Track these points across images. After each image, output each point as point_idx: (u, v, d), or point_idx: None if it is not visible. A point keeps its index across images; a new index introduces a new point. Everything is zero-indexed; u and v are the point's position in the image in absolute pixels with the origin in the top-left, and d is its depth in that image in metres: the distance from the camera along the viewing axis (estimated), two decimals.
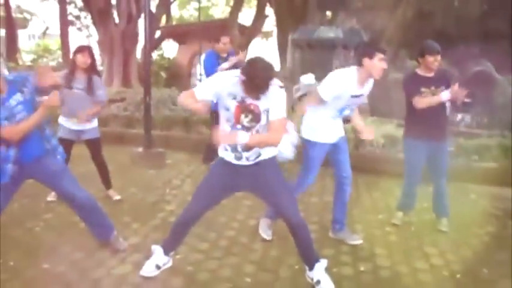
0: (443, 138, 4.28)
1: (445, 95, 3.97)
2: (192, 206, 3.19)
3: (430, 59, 4.06)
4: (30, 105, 3.17)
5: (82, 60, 4.42)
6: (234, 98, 2.85)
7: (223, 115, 2.96)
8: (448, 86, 4.07)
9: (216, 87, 2.90)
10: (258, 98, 2.81)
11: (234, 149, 2.96)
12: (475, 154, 6.59)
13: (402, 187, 4.55)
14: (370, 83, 3.76)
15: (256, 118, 2.87)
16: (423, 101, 4.05)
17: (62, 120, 4.57)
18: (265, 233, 3.99)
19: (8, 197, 3.27)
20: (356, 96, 3.68)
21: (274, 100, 2.86)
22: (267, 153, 3.01)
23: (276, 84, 2.86)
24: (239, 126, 2.90)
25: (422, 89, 4.10)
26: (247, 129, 2.89)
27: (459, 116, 9.95)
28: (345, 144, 4.03)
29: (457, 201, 5.09)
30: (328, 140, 3.85)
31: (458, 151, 6.58)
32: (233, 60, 5.80)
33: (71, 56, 4.65)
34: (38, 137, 3.26)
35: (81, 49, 4.48)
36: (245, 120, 2.88)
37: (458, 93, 3.92)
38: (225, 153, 3.03)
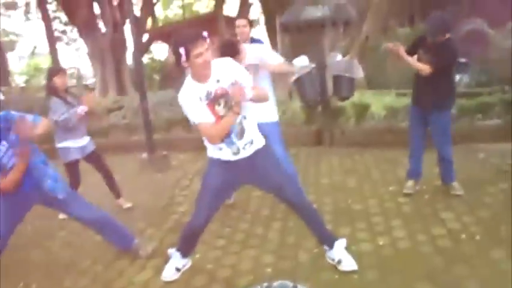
0: (441, 109, 4.18)
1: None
2: (198, 214, 3.14)
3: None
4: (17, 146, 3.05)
5: (60, 81, 4.42)
6: (201, 100, 2.77)
7: None
8: (442, 59, 4.00)
9: (195, 101, 2.77)
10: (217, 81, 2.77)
11: (229, 142, 2.87)
12: (478, 113, 6.55)
13: (409, 155, 4.53)
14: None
15: (226, 98, 2.79)
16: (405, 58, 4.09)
17: (66, 143, 4.47)
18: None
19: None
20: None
21: (234, 71, 2.82)
22: (258, 140, 2.97)
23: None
24: (222, 116, 2.80)
25: (420, 50, 4.11)
26: (227, 111, 2.80)
27: (457, 77, 9.89)
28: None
29: (467, 162, 5.09)
30: None
31: (461, 112, 6.55)
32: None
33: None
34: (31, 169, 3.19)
35: (56, 71, 4.52)
36: (220, 108, 2.79)
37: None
38: (220, 153, 2.94)
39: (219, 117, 2.80)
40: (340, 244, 3.20)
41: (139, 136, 7.78)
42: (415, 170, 4.51)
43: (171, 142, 7.62)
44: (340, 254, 3.16)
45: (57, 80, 4.40)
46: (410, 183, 4.53)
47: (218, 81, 2.79)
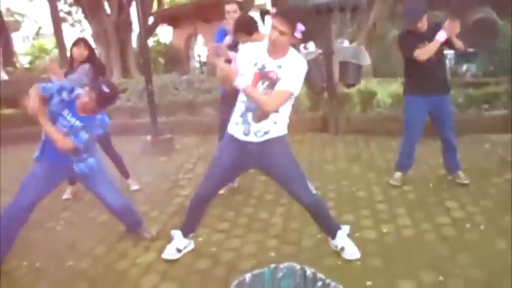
0: (444, 93, 4.17)
1: (441, 35, 3.82)
2: (205, 185, 3.16)
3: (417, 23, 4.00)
4: (79, 132, 3.19)
5: (78, 52, 4.37)
6: (255, 65, 2.84)
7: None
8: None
9: (242, 56, 2.91)
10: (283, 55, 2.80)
11: (245, 120, 2.89)
12: (484, 103, 6.51)
13: (400, 146, 4.48)
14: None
15: (271, 85, 2.82)
16: (424, 51, 3.90)
17: None
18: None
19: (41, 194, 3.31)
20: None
21: (290, 70, 2.81)
22: (275, 131, 2.93)
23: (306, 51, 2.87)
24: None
25: (419, 45, 3.99)
26: (264, 92, 2.84)
27: (464, 67, 9.82)
28: None
29: (472, 152, 5.07)
30: None
31: (467, 102, 6.52)
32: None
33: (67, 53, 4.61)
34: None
35: (76, 42, 4.42)
36: (262, 86, 2.83)
37: (452, 27, 3.79)
38: (234, 128, 2.96)
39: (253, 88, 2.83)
40: (343, 231, 3.19)
41: (143, 119, 7.79)
42: (408, 164, 4.48)
43: (175, 125, 7.62)
44: (343, 241, 3.15)
45: (75, 50, 4.38)
46: (398, 175, 4.49)
47: (280, 67, 2.81)
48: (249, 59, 2.87)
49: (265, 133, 2.91)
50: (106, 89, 3.08)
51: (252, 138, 2.91)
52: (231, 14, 4.38)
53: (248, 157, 2.99)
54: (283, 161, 3.00)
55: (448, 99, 4.26)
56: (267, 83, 2.83)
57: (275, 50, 2.79)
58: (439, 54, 4.03)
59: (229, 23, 4.38)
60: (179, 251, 3.29)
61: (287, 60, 2.82)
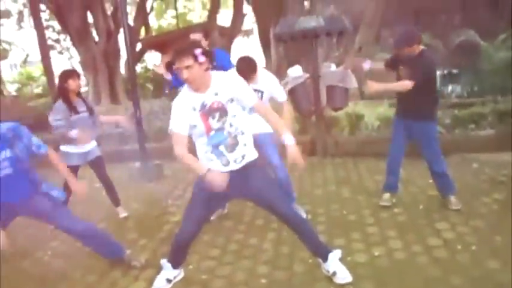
0: (422, 120, 4.15)
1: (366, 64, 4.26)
2: (185, 225, 3.09)
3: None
4: (18, 161, 3.08)
5: (75, 84, 4.34)
6: (195, 110, 2.78)
7: (194, 135, 2.87)
8: (414, 69, 4.02)
9: (181, 110, 2.81)
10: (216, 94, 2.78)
11: (219, 154, 2.86)
12: (471, 123, 6.59)
13: (386, 167, 4.52)
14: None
15: (223, 112, 2.80)
16: (380, 85, 4.11)
17: (68, 148, 4.42)
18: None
19: None
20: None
21: (235, 88, 2.83)
22: (250, 154, 2.95)
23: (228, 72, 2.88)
24: (212, 132, 2.81)
25: (400, 67, 4.14)
26: (219, 129, 2.81)
27: (449, 88, 9.96)
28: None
29: (461, 173, 5.09)
30: None
31: (454, 122, 6.59)
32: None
33: (56, 82, 4.59)
34: (23, 180, 3.18)
35: (71, 74, 4.39)
36: (214, 121, 2.80)
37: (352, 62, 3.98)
38: (210, 164, 2.88)
39: (209, 129, 2.80)
40: (335, 255, 3.16)
41: (132, 145, 7.75)
42: (393, 184, 4.51)
43: (164, 151, 7.56)
44: (334, 265, 3.12)
45: (72, 83, 4.32)
46: (386, 196, 4.50)
47: (216, 94, 2.79)
48: (186, 109, 2.79)
49: (243, 157, 2.91)
50: None
51: (232, 166, 2.89)
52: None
53: (230, 186, 2.87)
54: (264, 184, 3.00)
55: (428, 127, 4.18)
56: (217, 114, 2.79)
57: (198, 85, 2.75)
58: (424, 84, 3.96)
59: None
60: (169, 281, 3.24)
61: (216, 85, 2.80)
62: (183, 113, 2.80)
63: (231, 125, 2.84)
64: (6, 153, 3.03)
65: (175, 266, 3.27)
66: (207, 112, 2.78)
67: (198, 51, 2.67)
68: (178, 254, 3.25)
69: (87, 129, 4.39)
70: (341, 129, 7.14)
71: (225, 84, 2.82)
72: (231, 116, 2.82)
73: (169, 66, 4.02)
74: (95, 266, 3.70)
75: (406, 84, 3.93)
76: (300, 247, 3.51)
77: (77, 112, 4.33)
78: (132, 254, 3.67)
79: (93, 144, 4.60)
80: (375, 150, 6.30)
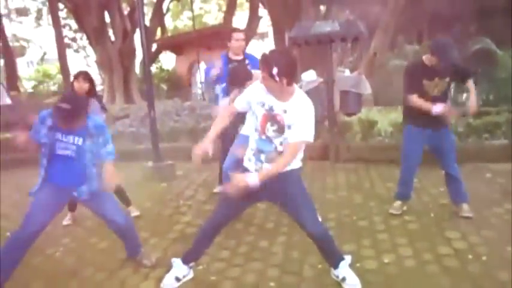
0: (441, 127, 4.14)
1: (437, 108, 3.91)
2: (217, 215, 3.16)
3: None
4: (86, 151, 3.26)
5: (78, 86, 4.43)
6: (262, 106, 2.84)
7: (252, 123, 2.99)
8: (453, 78, 4.01)
9: (249, 95, 2.93)
10: (285, 100, 2.79)
11: (258, 159, 2.92)
12: (485, 132, 6.54)
13: (399, 175, 4.48)
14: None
15: (280, 129, 2.82)
16: (418, 102, 4.00)
17: None
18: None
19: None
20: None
21: (299, 117, 2.79)
22: (287, 168, 2.92)
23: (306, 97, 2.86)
24: (264, 137, 2.87)
25: (424, 81, 4.00)
26: (271, 139, 2.86)
27: (464, 96, 9.89)
28: None
29: (473, 182, 5.06)
30: None
31: (468, 131, 6.54)
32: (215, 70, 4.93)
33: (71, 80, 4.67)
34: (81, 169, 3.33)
35: (76, 76, 4.49)
36: (271, 129, 2.84)
37: (449, 112, 3.96)
38: (248, 163, 3.01)
39: (263, 131, 2.86)
40: (345, 262, 3.14)
41: (145, 144, 7.81)
42: (404, 192, 4.47)
43: (176, 151, 7.63)
44: (344, 271, 3.11)
45: (76, 85, 4.43)
46: (397, 203, 4.48)
47: (285, 111, 2.79)
48: (256, 98, 2.88)
49: None
50: (65, 106, 3.02)
51: None
52: (239, 41, 4.89)
53: (261, 190, 2.88)
54: (295, 195, 3.00)
55: (447, 133, 4.23)
56: (275, 126, 2.82)
57: (274, 94, 2.80)
58: (441, 92, 4.04)
59: (235, 49, 4.90)
60: (178, 280, 3.26)
61: (292, 105, 2.79)
62: (249, 100, 2.92)
63: (280, 143, 2.86)
64: (79, 140, 3.21)
65: (187, 261, 3.28)
66: (270, 117, 2.83)
67: (275, 70, 2.64)
68: (200, 245, 3.28)
69: None
70: (354, 134, 7.14)
71: (296, 107, 2.79)
72: (285, 138, 2.84)
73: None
74: (105, 264, 3.74)
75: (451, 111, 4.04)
76: (309, 252, 3.53)
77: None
78: (144, 252, 3.71)
79: None
80: (387, 157, 6.28)
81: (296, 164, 2.97)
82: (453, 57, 3.89)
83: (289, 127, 2.81)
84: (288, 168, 2.90)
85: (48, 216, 3.31)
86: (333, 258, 3.15)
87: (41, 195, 3.28)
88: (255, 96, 2.89)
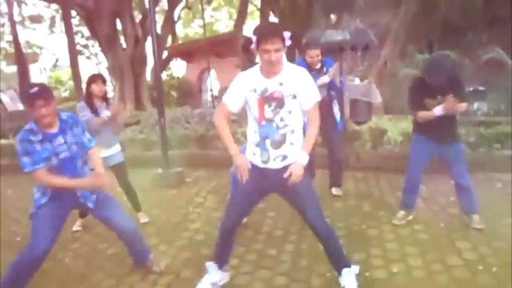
0: (452, 139, 4.14)
1: (437, 110, 3.88)
2: (231, 213, 3.16)
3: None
4: (73, 147, 3.26)
5: (98, 89, 4.48)
6: (255, 92, 2.86)
7: (250, 116, 3.00)
8: (456, 94, 3.85)
9: (239, 88, 2.93)
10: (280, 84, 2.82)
11: (264, 148, 2.92)
12: (496, 142, 6.48)
13: (403, 185, 4.46)
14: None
15: (279, 104, 2.83)
16: (424, 115, 3.99)
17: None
18: None
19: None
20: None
21: (301, 85, 2.84)
22: (293, 155, 2.93)
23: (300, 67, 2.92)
24: (263, 122, 2.88)
25: (427, 100, 3.97)
26: (271, 120, 2.86)
27: (475, 105, 9.84)
28: None
29: (484, 192, 5.00)
30: None
31: (479, 141, 6.49)
32: (330, 74, 5.02)
33: (83, 86, 4.72)
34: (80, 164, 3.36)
35: (94, 79, 4.53)
36: (269, 110, 2.85)
37: (451, 106, 3.81)
38: (253, 158, 3.01)
39: (262, 116, 2.87)
40: (349, 271, 3.11)
41: (155, 151, 7.85)
42: (410, 203, 4.44)
43: (186, 158, 7.66)
44: (346, 280, 3.08)
45: (94, 87, 4.48)
46: (401, 214, 4.45)
47: (281, 84, 2.83)
48: (247, 87, 2.89)
49: (284, 158, 2.93)
50: (34, 90, 3.00)
51: (271, 165, 2.94)
52: (314, 58, 4.98)
53: (268, 182, 3.01)
54: (301, 188, 2.99)
55: (457, 147, 4.19)
56: (274, 104, 2.84)
57: (274, 69, 2.81)
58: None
59: (310, 64, 4.97)
60: (214, 285, 3.25)
61: (286, 75, 2.84)
62: (241, 91, 2.92)
63: (281, 119, 2.86)
64: (66, 137, 3.21)
65: (220, 264, 3.28)
66: (265, 98, 2.84)
67: (287, 34, 2.72)
68: (222, 249, 3.27)
69: (108, 133, 4.54)
70: (363, 143, 7.11)
71: (293, 77, 2.84)
72: (286, 111, 2.85)
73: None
74: (114, 270, 3.76)
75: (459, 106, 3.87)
76: (318, 260, 3.52)
77: (98, 115, 4.44)
78: (153, 259, 3.71)
79: (117, 148, 4.70)
80: (397, 166, 6.24)
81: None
82: (446, 73, 3.83)
83: (294, 96, 2.83)
84: (292, 159, 2.93)
85: (56, 231, 3.28)
86: (338, 262, 3.14)
87: (45, 213, 3.22)
88: (245, 85, 2.90)
